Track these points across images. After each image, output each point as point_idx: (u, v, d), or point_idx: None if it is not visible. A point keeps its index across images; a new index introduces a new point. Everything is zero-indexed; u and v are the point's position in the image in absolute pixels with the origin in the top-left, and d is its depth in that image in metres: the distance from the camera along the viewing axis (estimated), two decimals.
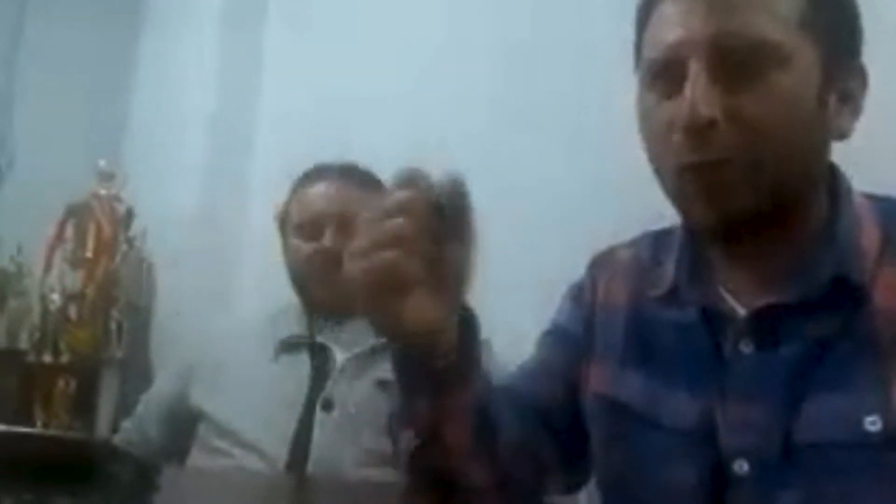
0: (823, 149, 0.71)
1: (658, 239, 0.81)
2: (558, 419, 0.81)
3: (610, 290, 0.82)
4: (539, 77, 1.49)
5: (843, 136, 0.71)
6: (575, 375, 0.82)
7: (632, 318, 0.79)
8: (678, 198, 0.72)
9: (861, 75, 0.72)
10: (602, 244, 0.89)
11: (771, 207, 0.68)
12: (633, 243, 0.85)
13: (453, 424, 0.70)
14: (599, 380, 0.79)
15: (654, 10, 0.73)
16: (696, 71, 0.67)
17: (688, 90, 0.66)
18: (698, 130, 0.66)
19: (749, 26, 0.67)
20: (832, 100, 0.69)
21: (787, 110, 0.66)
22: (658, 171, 0.72)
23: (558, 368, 0.83)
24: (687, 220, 0.74)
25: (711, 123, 0.66)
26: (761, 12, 0.67)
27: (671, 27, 0.70)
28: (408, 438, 0.71)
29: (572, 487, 0.87)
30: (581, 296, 0.85)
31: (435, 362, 0.67)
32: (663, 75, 0.70)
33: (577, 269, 0.88)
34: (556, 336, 0.86)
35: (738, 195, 0.67)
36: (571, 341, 0.83)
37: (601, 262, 0.86)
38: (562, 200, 1.40)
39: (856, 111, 0.72)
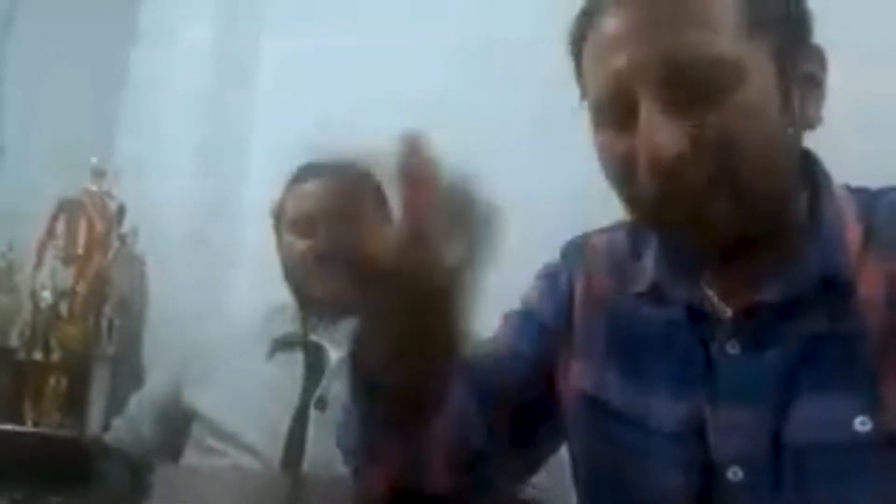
0: (793, 146, 0.68)
1: (635, 230, 0.77)
2: (523, 407, 0.77)
3: (590, 283, 0.79)
4: (537, 77, 1.48)
5: (811, 124, 0.68)
6: (549, 360, 0.78)
7: (614, 315, 0.76)
8: (652, 227, 0.69)
9: (818, 58, 0.69)
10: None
11: (750, 220, 0.65)
12: (608, 232, 0.81)
13: (435, 460, 0.65)
14: (581, 377, 0.76)
15: (590, 30, 0.68)
16: (648, 105, 0.62)
17: (643, 127, 0.62)
18: (664, 167, 0.62)
19: (699, 46, 0.62)
20: (794, 93, 0.66)
21: (751, 125, 0.62)
22: (627, 204, 0.68)
23: (530, 353, 0.78)
24: (666, 243, 0.72)
25: (676, 158, 0.61)
26: (709, 26, 0.62)
27: (613, 53, 0.64)
28: (377, 477, 0.66)
29: (522, 476, 0.84)
30: (556, 279, 0.81)
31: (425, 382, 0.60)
32: (612, 110, 0.65)
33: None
34: (528, 316, 0.81)
35: (714, 219, 0.64)
36: (548, 324, 0.79)
37: (576, 250, 0.82)
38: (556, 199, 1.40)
39: (819, 97, 0.68)
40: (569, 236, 0.85)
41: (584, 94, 0.71)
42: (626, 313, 0.75)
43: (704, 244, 0.66)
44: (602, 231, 0.82)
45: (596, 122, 0.68)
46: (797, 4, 0.68)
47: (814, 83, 0.68)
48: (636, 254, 0.76)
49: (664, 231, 0.69)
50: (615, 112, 0.65)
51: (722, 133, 0.62)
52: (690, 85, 0.62)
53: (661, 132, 0.61)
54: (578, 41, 0.70)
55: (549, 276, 0.82)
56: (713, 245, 0.66)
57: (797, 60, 0.66)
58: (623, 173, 0.66)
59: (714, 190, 0.63)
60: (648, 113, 0.62)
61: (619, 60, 0.64)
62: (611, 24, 0.65)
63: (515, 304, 0.84)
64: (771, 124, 0.64)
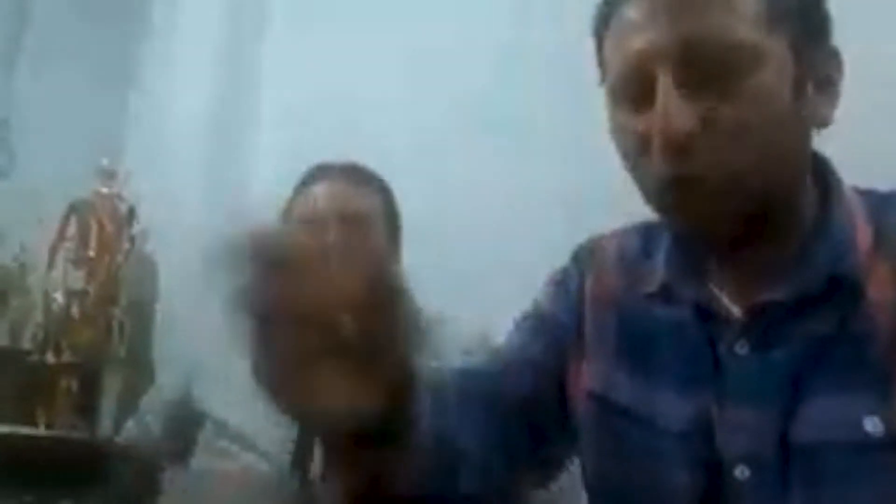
0: (805, 141, 0.68)
1: (646, 232, 0.78)
2: (535, 412, 0.76)
3: (599, 284, 0.79)
4: (536, 78, 1.49)
5: (823, 123, 0.68)
6: (560, 365, 0.78)
7: (623, 315, 0.76)
8: (663, 211, 0.69)
9: (835, 59, 0.69)
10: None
11: (760, 211, 0.65)
12: (619, 235, 0.82)
13: (399, 478, 0.57)
14: (591, 377, 0.76)
15: (613, 16, 0.69)
16: (665, 83, 0.63)
17: (659, 104, 0.63)
18: (676, 145, 0.63)
19: (718, 29, 0.63)
20: (809, 89, 0.66)
21: (764, 112, 0.63)
22: (639, 184, 0.69)
23: (541, 357, 0.78)
24: (675, 231, 0.72)
25: (689, 136, 0.62)
26: (729, 11, 0.63)
27: (634, 35, 0.66)
28: (343, 490, 0.57)
29: (542, 482, 0.83)
30: (567, 283, 0.81)
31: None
32: (631, 89, 0.66)
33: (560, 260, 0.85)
34: (539, 321, 0.81)
35: (724, 205, 0.64)
36: (559, 328, 0.79)
37: (587, 253, 0.82)
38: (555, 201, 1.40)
39: (834, 96, 0.69)
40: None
41: (603, 78, 0.72)
42: (635, 313, 0.75)
43: (713, 229, 0.66)
44: (613, 234, 0.82)
45: (613, 103, 0.69)
46: (817, 4, 0.68)
47: (829, 83, 0.69)
48: (647, 254, 0.76)
49: (675, 215, 0.69)
50: (633, 92, 0.66)
51: (735, 116, 0.63)
52: (708, 66, 0.63)
53: (675, 111, 0.62)
54: (601, 28, 0.71)
55: (561, 281, 0.83)
56: (722, 230, 0.66)
57: (814, 59, 0.67)
58: (638, 153, 0.67)
59: (724, 172, 0.63)
60: (665, 92, 0.63)
61: (640, 41, 0.65)
62: (633, 9, 0.67)
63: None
64: (783, 113, 0.64)
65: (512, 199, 1.50)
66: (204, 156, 2.11)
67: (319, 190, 1.39)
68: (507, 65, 1.54)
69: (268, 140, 2.03)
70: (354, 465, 0.55)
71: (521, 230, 1.48)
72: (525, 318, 0.82)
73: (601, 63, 0.72)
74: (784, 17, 0.64)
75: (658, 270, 0.74)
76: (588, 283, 0.80)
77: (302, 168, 1.45)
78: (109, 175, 2.05)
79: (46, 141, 2.24)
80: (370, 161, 1.42)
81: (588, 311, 0.79)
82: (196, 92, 2.16)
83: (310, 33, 1.97)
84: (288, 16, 2.07)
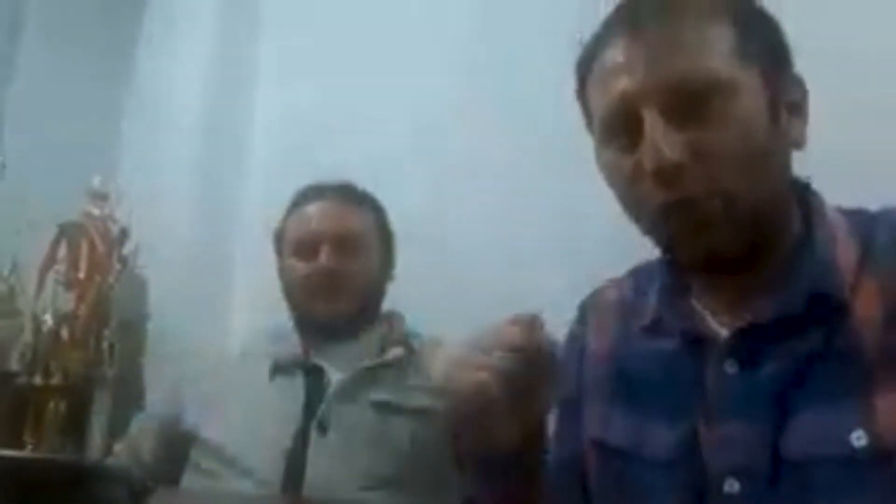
0: (785, 162, 0.73)
1: (641, 273, 0.83)
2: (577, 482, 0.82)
3: (598, 331, 0.84)
4: (536, 78, 1.50)
5: (798, 145, 0.73)
6: (581, 433, 0.82)
7: (618, 356, 0.80)
8: (661, 238, 0.73)
9: (800, 84, 0.74)
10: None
11: (750, 234, 0.69)
12: (619, 280, 0.86)
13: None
14: (591, 424, 0.80)
15: (595, 60, 0.74)
16: (652, 118, 0.68)
17: (648, 138, 0.67)
18: (668, 173, 0.67)
19: (695, 67, 0.68)
20: (782, 115, 0.71)
21: (745, 135, 0.68)
22: (635, 217, 0.73)
23: (568, 431, 0.83)
24: (670, 256, 0.75)
25: (678, 166, 0.67)
26: (703, 50, 0.69)
27: (618, 77, 0.70)
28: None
29: None
30: (573, 345, 0.86)
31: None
32: (618, 130, 0.71)
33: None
34: (568, 409, 0.85)
35: (719, 228, 0.68)
36: (571, 398, 0.84)
37: (591, 304, 0.88)
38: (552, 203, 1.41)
39: (804, 119, 0.74)
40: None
41: (588, 120, 0.76)
42: (631, 351, 0.79)
43: (709, 250, 0.69)
44: (614, 281, 0.87)
45: (601, 141, 0.73)
46: (780, 37, 0.73)
47: (797, 108, 0.73)
48: (642, 293, 0.80)
49: (672, 239, 0.72)
50: (621, 130, 0.70)
51: (718, 142, 0.67)
52: (689, 100, 0.67)
53: (664, 142, 0.67)
54: (584, 72, 0.76)
55: (570, 340, 0.87)
56: (717, 251, 0.69)
57: (783, 86, 0.72)
58: (630, 187, 0.71)
59: (714, 194, 0.67)
60: (653, 126, 0.67)
61: (624, 82, 0.69)
62: (615, 52, 0.71)
63: None
64: (763, 136, 0.69)
65: (512, 196, 1.51)
66: (197, 170, 2.11)
67: (312, 210, 1.40)
68: (507, 65, 1.56)
69: (262, 154, 2.03)
70: (502, 483, 0.71)
71: (520, 231, 1.48)
72: (560, 408, 0.86)
73: (584, 104, 0.76)
74: (755, 51, 0.69)
75: (651, 304, 0.78)
76: (589, 332, 0.85)
77: (295, 188, 1.45)
78: (101, 196, 2.04)
79: (37, 160, 2.23)
80: (366, 167, 1.42)
81: (587, 359, 0.83)
82: (190, 105, 2.16)
83: (302, 50, 1.97)
84: (279, 32, 2.08)
